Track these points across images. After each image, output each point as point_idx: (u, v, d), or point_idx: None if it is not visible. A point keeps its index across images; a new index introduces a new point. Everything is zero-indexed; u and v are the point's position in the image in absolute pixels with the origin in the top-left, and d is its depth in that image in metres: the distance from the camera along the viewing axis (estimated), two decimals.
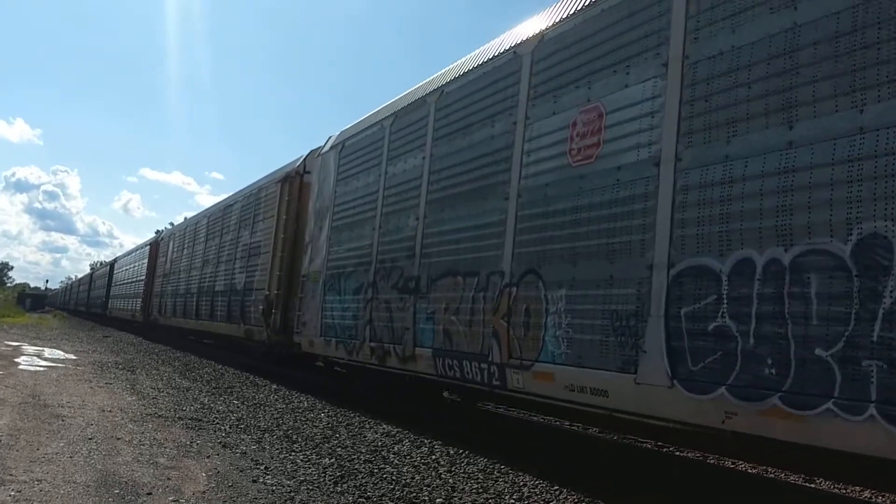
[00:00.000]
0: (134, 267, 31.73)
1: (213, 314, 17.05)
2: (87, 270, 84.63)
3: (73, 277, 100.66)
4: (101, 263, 64.50)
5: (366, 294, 9.01)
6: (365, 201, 9.56)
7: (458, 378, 7.00)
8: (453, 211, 7.44)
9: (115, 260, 41.66)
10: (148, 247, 28.45)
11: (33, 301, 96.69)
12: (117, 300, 36.74)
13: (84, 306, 55.99)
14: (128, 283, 33.09)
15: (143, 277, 27.81)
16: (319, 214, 11.18)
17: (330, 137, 11.81)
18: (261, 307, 13.17)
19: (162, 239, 26.91)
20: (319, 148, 12.19)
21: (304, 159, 12.95)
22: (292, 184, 13.09)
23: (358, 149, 10.15)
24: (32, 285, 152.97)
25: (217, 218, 18.53)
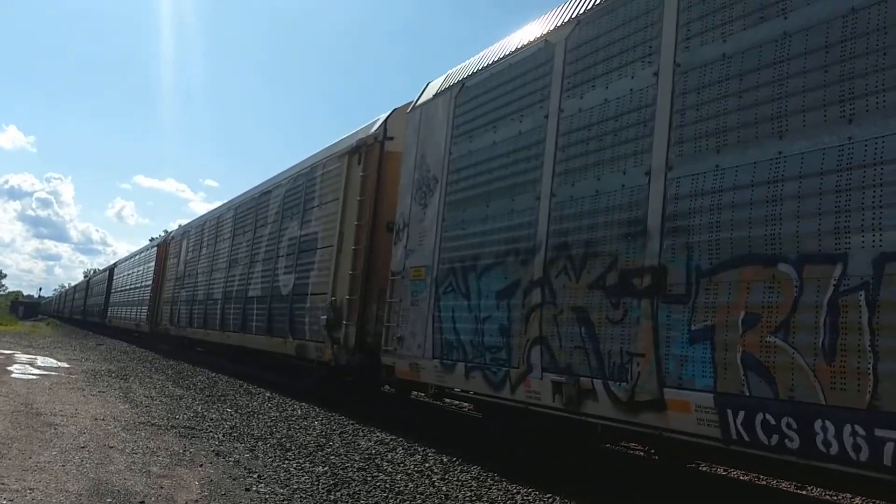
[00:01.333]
0: (138, 271, 28.39)
1: (245, 325, 13.78)
2: (81, 278, 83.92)
3: (67, 285, 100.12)
4: (95, 271, 63.79)
5: (526, 297, 6.15)
6: (514, 159, 6.68)
7: (800, 452, 3.87)
8: (758, 150, 4.33)
9: (114, 264, 38.85)
10: (155, 248, 25.33)
11: (26, 309, 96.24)
12: (118, 308, 33.21)
13: (80, 314, 52.59)
14: (130, 289, 29.75)
15: (150, 282, 24.32)
16: (420, 188, 8.22)
17: (428, 85, 9.00)
18: (322, 317, 10.04)
19: (172, 238, 23.19)
20: (409, 104, 9.33)
21: (385, 120, 9.91)
22: (368, 155, 9.84)
23: (493, 87, 7.25)
24: (25, 293, 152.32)
25: (248, 209, 15.17)
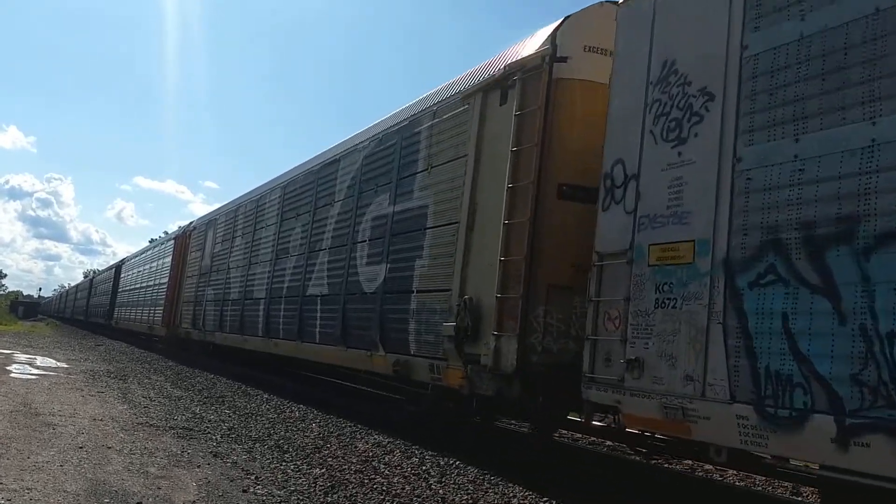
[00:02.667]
0: (151, 268, 25.16)
1: (302, 331, 10.84)
2: (81, 279, 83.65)
3: (67, 285, 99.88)
4: (95, 271, 63.04)
5: None
6: None
7: None
8: None
9: (122, 261, 35.64)
10: (172, 241, 22.16)
11: (26, 309, 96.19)
12: (126, 309, 29.81)
13: (83, 315, 49.27)
14: (141, 287, 26.47)
15: (166, 280, 21.43)
16: (664, 115, 5.14)
17: None
18: (444, 323, 7.02)
19: (194, 229, 19.84)
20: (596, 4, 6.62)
21: (555, 33, 6.53)
22: (526, 86, 6.57)
23: None
24: (25, 293, 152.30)
25: (303, 187, 12.18)
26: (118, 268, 34.99)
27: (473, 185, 7.09)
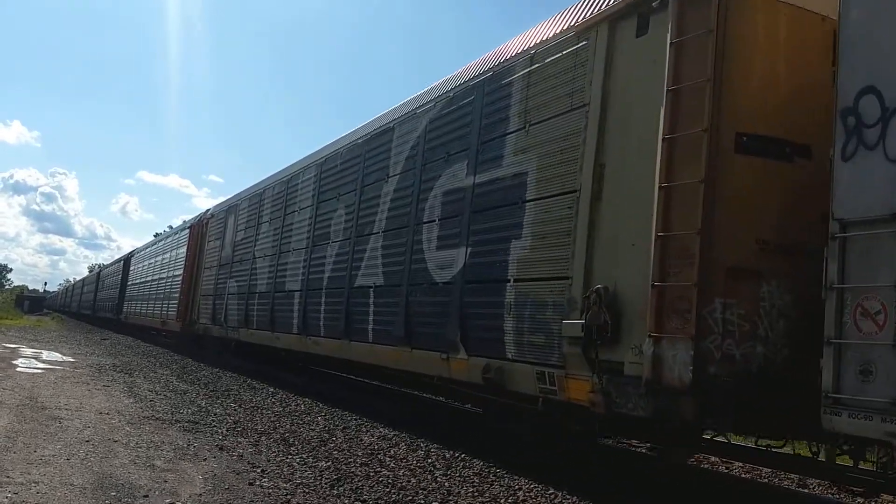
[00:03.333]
0: (163, 259, 23.49)
1: (350, 328, 9.30)
2: (85, 273, 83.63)
3: (72, 279, 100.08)
4: (100, 265, 62.54)
5: None
6: None
7: None
8: None
9: (131, 253, 33.89)
10: (187, 230, 20.51)
11: (32, 303, 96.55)
12: (136, 303, 28.17)
13: (90, 309, 47.35)
14: (153, 280, 24.85)
15: (180, 272, 19.85)
16: None
17: None
18: (564, 322, 5.56)
19: (212, 217, 18.26)
20: None
21: None
22: (686, 6, 5.03)
23: None
24: (31, 287, 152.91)
25: (345, 163, 10.53)
26: (127, 260, 33.38)
27: (599, 141, 5.49)
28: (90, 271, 75.02)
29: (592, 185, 5.48)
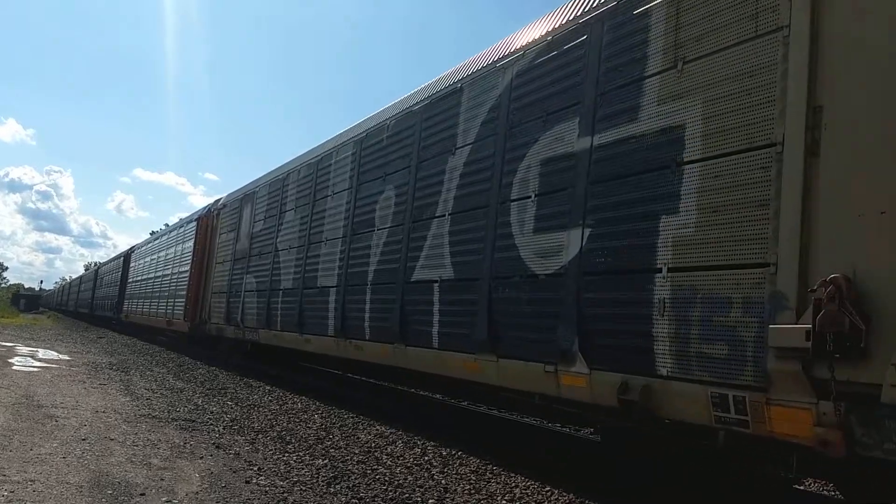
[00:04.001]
0: (167, 254, 21.97)
1: (407, 331, 7.71)
2: (82, 271, 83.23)
3: (68, 278, 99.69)
4: (96, 263, 61.93)
5: None
6: None
7: None
8: None
9: (131, 249, 31.93)
10: (194, 222, 18.77)
11: (28, 302, 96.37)
12: (138, 301, 26.34)
13: (87, 308, 45.56)
14: (156, 277, 23.27)
15: (188, 267, 18.19)
16: None
17: None
18: (773, 327, 3.92)
19: (223, 207, 16.72)
20: None
21: None
22: None
23: None
24: (27, 286, 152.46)
25: (395, 136, 8.88)
26: (127, 256, 31.49)
27: (811, 77, 4.04)
28: (86, 269, 74.64)
29: (806, 136, 3.95)
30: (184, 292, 18.15)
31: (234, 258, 14.49)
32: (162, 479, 4.72)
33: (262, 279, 12.61)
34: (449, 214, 7.30)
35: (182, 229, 20.52)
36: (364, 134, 9.79)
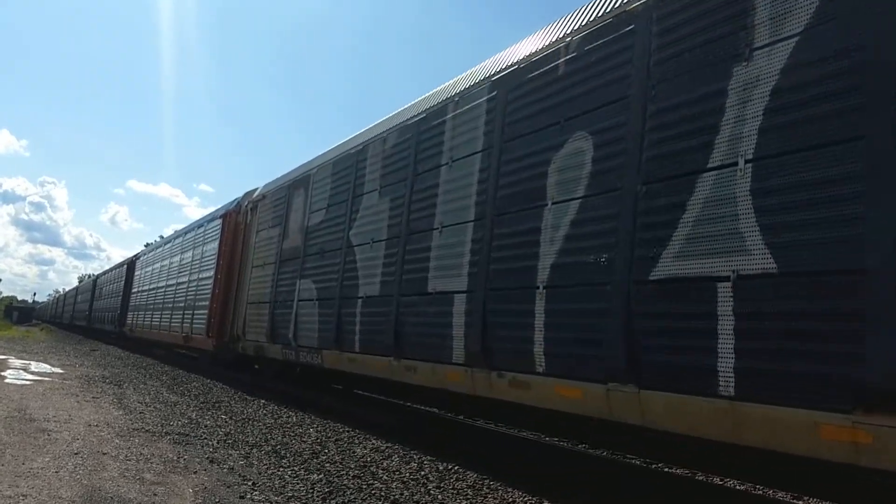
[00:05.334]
0: (181, 259, 19.37)
1: (637, 362, 4.67)
2: (75, 283, 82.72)
3: (62, 290, 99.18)
4: (90, 276, 61.20)
5: None
6: None
7: None
8: None
9: (136, 256, 29.46)
10: (218, 220, 16.08)
11: (20, 314, 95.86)
12: (145, 314, 23.26)
13: (84, 321, 42.34)
14: (168, 286, 20.37)
15: (211, 273, 15.65)
16: None
17: None
18: None
19: (262, 199, 13.60)
20: None
21: None
22: None
23: None
24: (20, 298, 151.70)
25: (575, 72, 5.80)
26: (131, 264, 28.94)
27: None
28: (80, 281, 74.10)
29: None
30: (206, 302, 15.54)
31: (281, 259, 11.78)
32: (155, 495, 4.67)
33: (327, 284, 9.75)
34: (756, 169, 4.17)
35: (201, 229, 17.83)
36: (509, 71, 6.72)
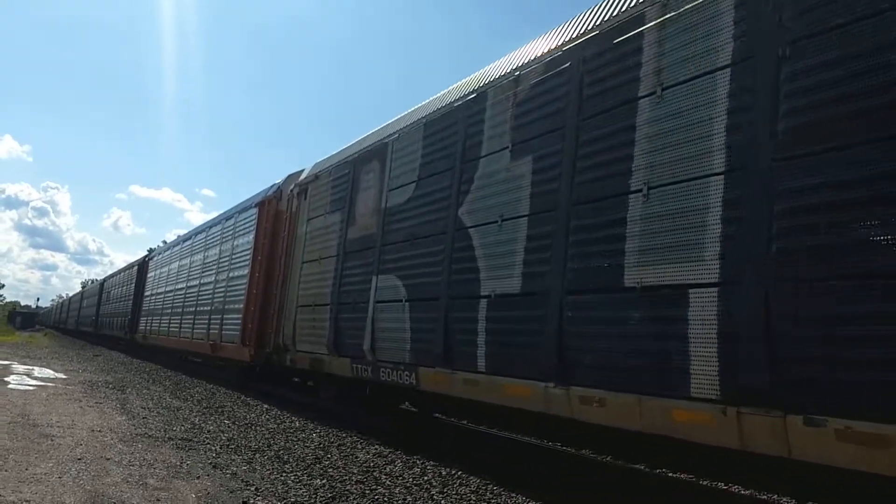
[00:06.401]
0: (205, 257, 17.27)
1: None
2: (78, 288, 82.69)
3: (65, 295, 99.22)
4: (92, 281, 60.78)
5: None
6: None
7: None
8: None
9: (147, 256, 27.59)
10: (254, 208, 13.82)
11: (24, 319, 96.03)
12: (160, 319, 21.11)
13: (91, 326, 40.16)
14: (188, 288, 18.24)
15: (245, 271, 13.53)
16: None
17: None
18: None
19: (314, 179, 11.10)
20: None
21: None
22: None
23: None
24: (23, 303, 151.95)
25: None
26: (143, 265, 26.85)
27: None
28: (83, 287, 74.03)
29: None
30: (239, 305, 13.44)
31: (345, 251, 9.39)
32: (158, 500, 4.67)
33: (423, 280, 7.42)
34: None
35: (230, 222, 15.64)
36: None
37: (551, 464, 7.46)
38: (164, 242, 30.05)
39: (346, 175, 9.96)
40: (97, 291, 41.10)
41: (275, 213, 12.82)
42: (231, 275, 14.65)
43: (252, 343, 12.37)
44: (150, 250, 31.54)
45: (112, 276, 37.52)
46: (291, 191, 12.10)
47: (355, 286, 8.90)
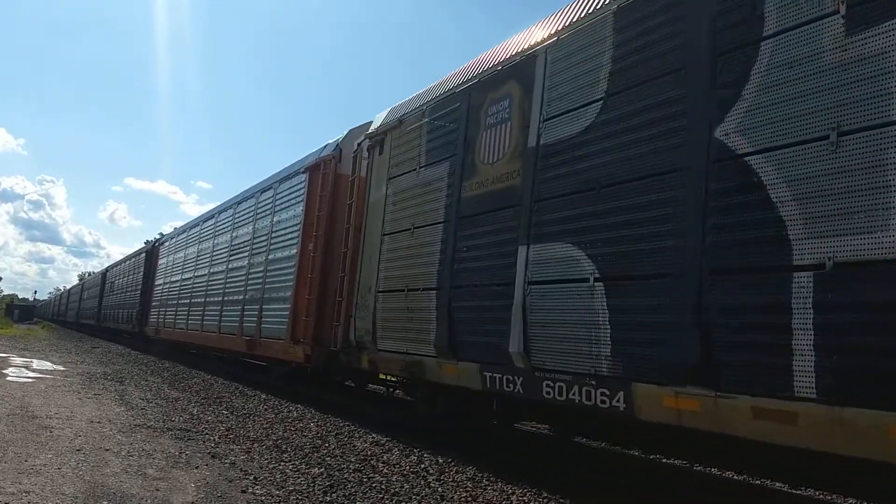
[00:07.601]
0: (232, 238, 15.01)
1: None
2: (75, 280, 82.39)
3: (62, 287, 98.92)
4: (90, 274, 60.30)
5: None
6: None
7: None
8: None
9: (156, 242, 24.88)
10: (303, 174, 11.59)
11: (21, 312, 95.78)
12: (175, 311, 18.88)
13: (93, 319, 37.62)
14: (211, 274, 16.00)
15: (293, 251, 11.29)
16: None
17: None
18: None
19: (395, 127, 8.69)
20: None
21: None
22: None
23: None
24: (20, 296, 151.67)
25: None
26: (152, 251, 24.31)
27: None
28: (80, 279, 73.63)
29: None
30: (284, 293, 11.31)
31: (459, 215, 7.06)
32: (157, 490, 4.70)
33: (631, 246, 4.99)
34: None
35: (267, 194, 13.25)
36: None
37: (550, 453, 7.49)
38: (161, 235, 27.81)
39: (455, 111, 7.52)
40: (99, 282, 37.91)
41: (333, 178, 10.51)
42: (271, 257, 12.39)
43: (309, 339, 10.15)
44: (147, 242, 30.58)
45: (116, 264, 34.44)
46: (359, 146, 9.74)
47: (482, 262, 6.57)
